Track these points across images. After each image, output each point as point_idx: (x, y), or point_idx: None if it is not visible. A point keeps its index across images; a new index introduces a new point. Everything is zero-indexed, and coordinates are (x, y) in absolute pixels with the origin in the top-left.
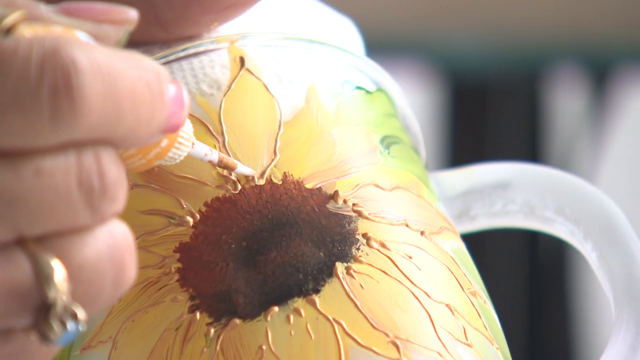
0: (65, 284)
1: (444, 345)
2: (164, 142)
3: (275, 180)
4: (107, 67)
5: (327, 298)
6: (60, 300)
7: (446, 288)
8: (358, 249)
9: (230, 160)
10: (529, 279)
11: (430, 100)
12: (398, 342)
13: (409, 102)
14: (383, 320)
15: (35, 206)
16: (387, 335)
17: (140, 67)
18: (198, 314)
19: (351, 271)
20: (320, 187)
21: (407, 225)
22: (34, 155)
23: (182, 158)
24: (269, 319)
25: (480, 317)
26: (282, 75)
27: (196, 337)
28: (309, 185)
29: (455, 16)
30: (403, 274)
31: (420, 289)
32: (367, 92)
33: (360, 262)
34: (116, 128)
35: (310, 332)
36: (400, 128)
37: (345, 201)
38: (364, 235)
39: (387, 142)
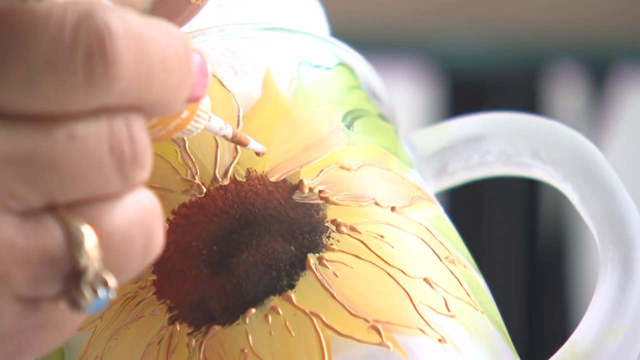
0: (96, 250)
1: (425, 321)
2: (185, 114)
3: (239, 178)
4: (140, 32)
5: (303, 292)
6: (92, 267)
7: (422, 261)
8: (329, 237)
9: (243, 135)
10: (527, 270)
11: (428, 99)
12: (379, 326)
13: (407, 101)
14: (361, 305)
15: (67, 172)
16: (366, 320)
17: (169, 33)
18: (178, 325)
19: (324, 261)
20: (285, 179)
21: (376, 204)
22: (67, 120)
23: (199, 131)
24: (247, 321)
25: (461, 284)
26: (237, 66)
27: (179, 348)
28: (273, 179)
29: (454, 14)
30: (376, 255)
31: (395, 267)
32: (326, 69)
33: (332, 250)
34: (147, 94)
35: (290, 329)
36: (364, 98)
37: (311, 189)
38: (334, 222)
39: (351, 117)
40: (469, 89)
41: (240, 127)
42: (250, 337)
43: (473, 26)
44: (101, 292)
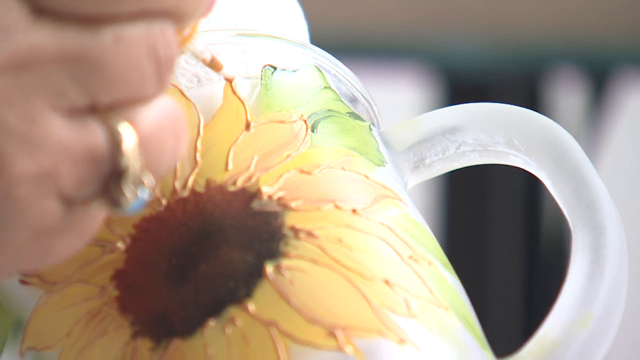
0: (136, 151)
1: (384, 324)
2: (187, 31)
3: (198, 190)
4: None
5: (260, 301)
6: (133, 167)
7: (382, 263)
8: (286, 244)
9: (218, 60)
10: (528, 269)
11: (429, 101)
12: (336, 332)
13: (407, 103)
14: (318, 312)
15: (112, 72)
16: (324, 326)
17: None
18: (140, 341)
19: (281, 269)
20: (244, 188)
21: (336, 207)
22: (113, 21)
23: (189, 51)
24: (205, 333)
25: (424, 282)
26: (201, 74)
27: None
28: (232, 188)
29: (455, 18)
30: (334, 259)
31: (353, 270)
32: (292, 71)
33: (290, 257)
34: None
35: (247, 339)
36: (333, 98)
37: (270, 196)
38: (292, 228)
39: (315, 119)
40: (469, 92)
41: (200, 137)
42: (209, 350)
43: (473, 29)
44: (140, 192)
